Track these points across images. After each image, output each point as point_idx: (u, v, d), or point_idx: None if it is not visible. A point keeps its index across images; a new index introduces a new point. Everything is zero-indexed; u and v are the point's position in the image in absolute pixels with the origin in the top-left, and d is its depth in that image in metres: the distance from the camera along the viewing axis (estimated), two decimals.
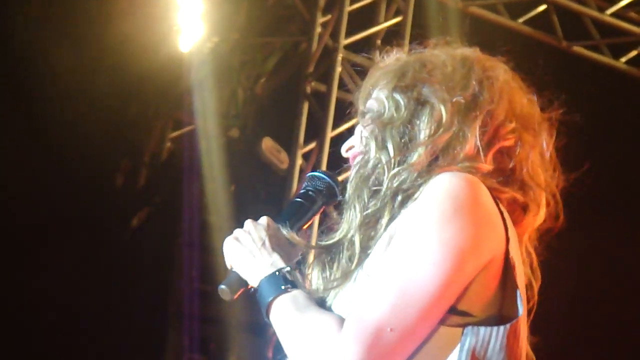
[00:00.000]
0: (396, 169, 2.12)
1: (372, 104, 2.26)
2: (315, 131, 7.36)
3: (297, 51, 8.54)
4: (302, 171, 7.29)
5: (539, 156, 2.22)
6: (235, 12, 8.70)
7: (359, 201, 2.14)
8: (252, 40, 8.86)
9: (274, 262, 2.16)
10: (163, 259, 8.63)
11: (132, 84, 8.54)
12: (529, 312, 2.21)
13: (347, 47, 7.45)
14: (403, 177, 2.11)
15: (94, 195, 8.53)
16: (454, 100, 2.15)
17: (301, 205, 2.29)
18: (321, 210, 2.31)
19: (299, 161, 7.35)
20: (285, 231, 2.24)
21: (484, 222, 2.01)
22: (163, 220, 8.91)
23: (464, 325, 1.97)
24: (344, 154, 2.32)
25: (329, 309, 2.08)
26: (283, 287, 2.10)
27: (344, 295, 2.08)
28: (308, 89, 7.52)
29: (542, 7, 8.23)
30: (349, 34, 7.56)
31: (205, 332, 8.26)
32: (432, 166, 2.11)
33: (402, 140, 2.15)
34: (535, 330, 2.19)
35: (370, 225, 2.11)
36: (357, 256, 2.09)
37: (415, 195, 2.06)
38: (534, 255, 2.26)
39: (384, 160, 2.14)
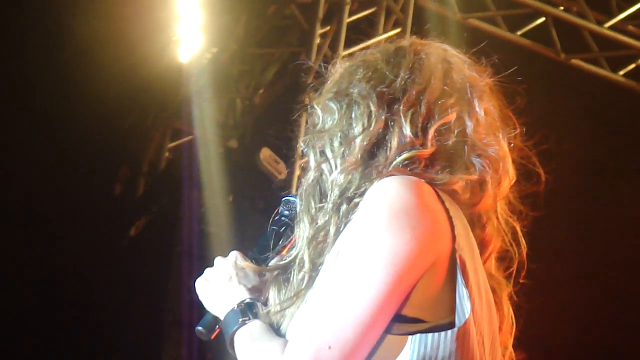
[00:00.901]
0: (334, 174, 2.08)
1: (311, 119, 2.26)
2: None
3: (295, 62, 8.55)
4: (300, 181, 7.29)
5: (487, 121, 2.14)
6: (234, 23, 8.72)
7: (307, 215, 2.11)
8: (251, 50, 8.88)
9: (238, 296, 2.19)
10: (161, 268, 8.63)
11: (131, 94, 8.55)
12: (514, 283, 2.19)
13: (346, 58, 7.46)
14: (341, 181, 2.06)
15: (92, 204, 8.53)
16: (377, 91, 2.12)
17: (276, 234, 2.26)
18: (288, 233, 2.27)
19: (297, 172, 7.36)
20: (243, 261, 2.26)
21: (422, 224, 1.94)
22: (161, 229, 8.91)
23: (410, 333, 1.93)
24: None
25: (284, 332, 2.09)
26: (240, 320, 2.14)
27: (297, 316, 2.07)
28: (307, 100, 7.52)
29: (541, 20, 8.25)
30: (347, 45, 7.57)
31: (202, 341, 8.25)
32: (370, 166, 2.06)
33: (339, 144, 2.12)
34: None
35: (320, 240, 2.06)
36: (307, 274, 2.06)
37: (359, 204, 2.00)
38: (514, 222, 2.20)
39: (324, 168, 2.12)
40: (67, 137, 8.13)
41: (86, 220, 8.31)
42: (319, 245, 2.06)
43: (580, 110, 7.97)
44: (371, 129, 2.08)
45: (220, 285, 2.24)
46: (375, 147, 2.08)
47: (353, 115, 2.13)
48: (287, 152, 7.54)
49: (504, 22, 8.24)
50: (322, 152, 2.13)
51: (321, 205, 2.09)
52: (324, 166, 2.12)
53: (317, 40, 7.73)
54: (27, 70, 7.86)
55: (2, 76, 7.80)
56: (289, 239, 2.23)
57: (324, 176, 2.11)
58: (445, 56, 2.21)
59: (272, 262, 2.22)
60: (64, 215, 8.19)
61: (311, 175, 2.14)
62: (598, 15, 8.29)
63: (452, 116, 2.10)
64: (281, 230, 2.25)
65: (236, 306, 2.17)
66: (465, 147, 2.10)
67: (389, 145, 2.07)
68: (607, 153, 8.07)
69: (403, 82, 2.13)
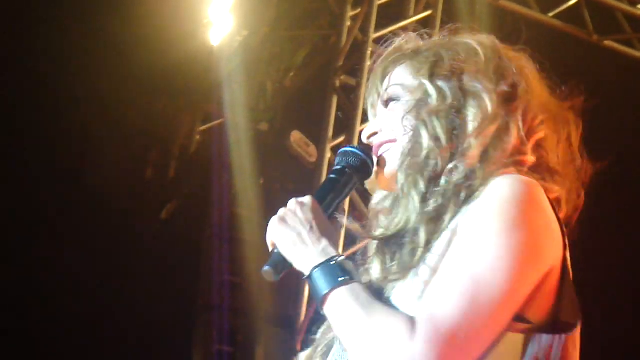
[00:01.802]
0: (453, 163, 2.09)
1: (403, 90, 2.24)
2: (344, 125, 7.36)
3: (326, 45, 8.53)
4: (330, 165, 7.29)
5: (566, 147, 2.20)
6: (264, 6, 8.71)
7: (416, 191, 2.10)
8: (282, 33, 8.87)
9: (325, 249, 2.07)
10: (192, 250, 8.66)
11: (162, 77, 8.57)
12: None
13: (376, 40, 7.44)
14: (461, 170, 2.08)
15: (123, 187, 8.57)
16: (498, 90, 2.15)
17: (336, 183, 2.22)
18: (355, 186, 2.25)
19: (328, 155, 7.35)
20: (339, 218, 2.21)
21: (547, 230, 2.00)
22: (192, 212, 8.94)
23: (527, 332, 1.97)
24: (365, 140, 2.28)
25: (386, 302, 2.03)
26: (340, 279, 2.02)
27: (404, 289, 2.02)
28: (337, 83, 7.51)
29: (573, 1, 8.19)
30: (378, 27, 7.55)
31: (233, 324, 8.29)
32: (485, 161, 2.09)
33: (453, 130, 2.13)
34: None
35: (435, 220, 2.06)
36: (420, 250, 2.03)
37: (477, 194, 2.03)
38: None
39: (437, 150, 2.11)
40: (98, 121, 8.16)
41: (118, 204, 8.34)
42: (435, 224, 2.05)
43: (613, 92, 7.90)
44: (488, 127, 2.11)
45: (301, 231, 2.10)
46: (489, 144, 2.11)
47: (470, 108, 2.14)
48: (317, 135, 7.54)
49: (536, 3, 8.18)
50: (435, 132, 2.13)
51: (432, 183, 2.09)
52: (437, 146, 2.12)
53: (348, 23, 7.71)
54: (58, 54, 7.89)
55: (37, 62, 7.83)
56: (350, 190, 2.23)
57: (433, 155, 2.11)
58: (534, 70, 2.26)
59: (378, 232, 2.16)
60: (95, 199, 8.23)
61: (421, 150, 2.13)
62: None
63: (542, 133, 2.17)
64: (342, 181, 2.22)
65: (333, 261, 2.05)
66: (551, 164, 2.17)
67: (503, 144, 2.11)
68: None
69: (514, 87, 2.17)
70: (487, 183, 2.03)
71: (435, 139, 2.12)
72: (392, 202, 2.27)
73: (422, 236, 2.04)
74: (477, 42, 2.24)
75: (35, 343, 8.14)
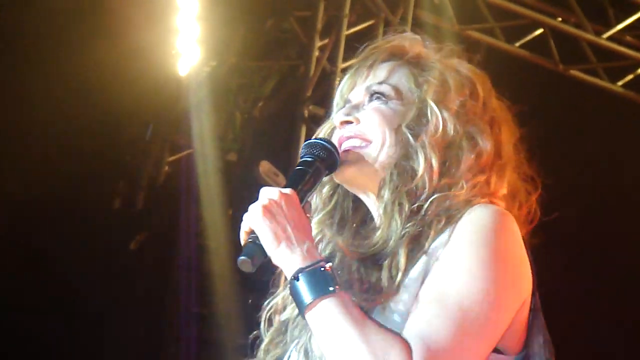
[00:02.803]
0: (440, 194, 2.10)
1: (397, 95, 2.22)
2: None
3: (294, 75, 8.55)
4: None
5: (516, 158, 2.23)
6: (232, 36, 8.72)
7: (400, 211, 2.09)
8: (250, 63, 8.88)
9: (309, 251, 2.01)
10: (160, 282, 8.61)
11: (130, 107, 8.55)
12: None
13: (344, 70, 7.46)
14: (447, 204, 2.09)
15: (91, 218, 8.52)
16: (491, 134, 2.18)
17: (305, 174, 2.15)
18: (322, 178, 2.19)
19: None
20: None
21: (522, 262, 2.05)
22: (160, 243, 8.90)
23: None
24: (337, 123, 2.24)
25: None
26: (331, 289, 1.96)
27: (384, 311, 2.01)
28: (306, 113, 7.52)
29: (539, 31, 8.26)
30: (346, 57, 7.57)
31: (201, 355, 8.23)
32: (468, 195, 2.11)
33: (447, 165, 2.14)
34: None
35: (411, 244, 2.05)
36: (400, 274, 2.02)
37: (455, 220, 2.04)
38: None
39: (428, 180, 2.11)
40: (66, 151, 8.12)
41: (85, 235, 8.29)
42: (414, 248, 2.05)
43: (577, 121, 7.97)
44: (484, 171, 2.16)
45: (287, 228, 2.02)
46: (478, 182, 2.15)
47: (468, 151, 2.16)
48: (286, 165, 7.54)
49: (502, 33, 8.25)
50: (432, 168, 2.13)
51: (418, 213, 2.09)
52: (429, 177, 2.12)
53: (316, 53, 7.73)
54: (25, 85, 7.86)
55: (2, 91, 7.80)
56: (318, 182, 2.17)
57: (423, 183, 2.11)
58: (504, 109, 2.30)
59: (354, 247, 2.12)
60: (62, 230, 8.17)
61: (415, 174, 2.13)
62: (596, 26, 8.29)
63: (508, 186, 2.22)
64: (310, 172, 2.15)
65: (319, 266, 1.98)
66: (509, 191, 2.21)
67: (486, 181, 2.15)
68: (606, 162, 8.06)
69: (505, 144, 2.21)
70: (464, 210, 2.05)
71: (430, 168, 2.12)
72: (328, 192, 2.26)
73: (402, 260, 2.03)
74: (478, 81, 2.25)
75: None
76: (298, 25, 8.27)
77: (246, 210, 2.18)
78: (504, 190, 2.18)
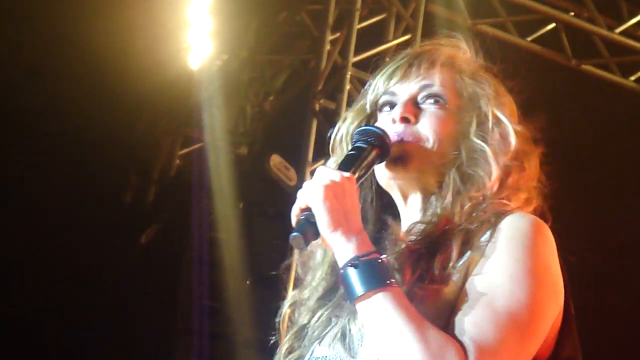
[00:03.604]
0: (495, 201, 2.15)
1: (455, 98, 2.24)
2: (323, 148, 7.36)
3: (306, 68, 8.55)
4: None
5: (533, 178, 2.27)
6: (244, 30, 8.73)
7: (460, 213, 2.12)
8: (261, 57, 8.88)
9: (365, 240, 2.00)
10: (171, 275, 8.62)
11: (142, 101, 8.57)
12: None
13: (356, 64, 7.46)
14: (491, 207, 2.13)
15: (102, 211, 8.54)
16: (522, 142, 2.22)
17: (358, 159, 2.12)
18: (373, 166, 2.17)
19: (308, 178, 7.34)
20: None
21: (559, 270, 2.09)
22: (172, 236, 8.91)
23: None
24: (397, 117, 2.22)
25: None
26: (388, 281, 1.95)
27: (430, 304, 2.01)
28: (317, 107, 7.52)
29: (551, 26, 8.24)
30: (358, 51, 7.57)
31: (212, 348, 8.25)
32: (506, 196, 2.18)
33: (505, 173, 2.20)
34: None
35: (464, 240, 2.08)
36: (451, 264, 2.04)
37: (498, 226, 2.07)
38: None
39: (489, 188, 2.16)
40: (78, 145, 8.14)
41: (97, 229, 8.31)
42: (466, 243, 2.07)
43: (591, 116, 7.95)
44: (510, 175, 2.20)
45: (348, 213, 2.00)
46: (512, 192, 2.20)
47: (503, 154, 2.20)
48: (296, 159, 7.54)
49: (515, 28, 8.23)
50: (488, 167, 2.17)
51: (471, 209, 2.12)
52: (486, 188, 2.16)
53: (327, 47, 7.72)
54: (39, 79, 7.87)
55: (14, 86, 7.81)
56: (370, 167, 2.16)
57: (476, 186, 2.15)
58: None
59: (412, 239, 2.13)
60: (74, 224, 8.19)
61: (480, 183, 2.16)
62: (608, 20, 8.27)
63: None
64: (363, 156, 2.14)
65: (376, 256, 1.98)
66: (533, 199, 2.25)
67: (515, 187, 2.20)
68: (618, 158, 8.04)
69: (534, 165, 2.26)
70: (502, 215, 2.09)
71: (496, 177, 2.17)
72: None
73: (455, 253, 2.05)
74: (513, 109, 2.29)
75: None
76: (310, 19, 8.27)
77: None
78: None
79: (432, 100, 2.23)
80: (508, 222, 2.06)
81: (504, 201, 2.15)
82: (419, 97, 2.25)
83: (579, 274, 2.19)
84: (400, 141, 2.18)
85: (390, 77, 2.31)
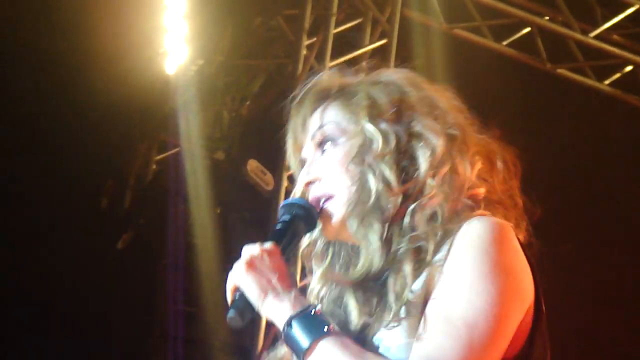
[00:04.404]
0: (413, 204, 2.11)
1: (339, 131, 2.23)
2: None
3: (282, 73, 8.55)
4: (287, 193, 7.28)
5: (502, 178, 2.23)
6: (219, 35, 8.71)
7: (373, 234, 2.11)
8: (237, 62, 8.87)
9: (297, 298, 2.05)
10: (148, 281, 8.60)
11: (117, 106, 8.53)
12: None
13: (332, 69, 7.47)
14: (425, 212, 2.11)
15: (78, 217, 8.50)
16: (440, 127, 2.18)
17: (285, 233, 2.18)
18: (301, 238, 2.22)
19: (285, 183, 7.35)
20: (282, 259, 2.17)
21: (524, 271, 2.06)
22: (148, 242, 8.88)
23: None
24: (302, 186, 2.25)
25: (373, 350, 2.03)
26: (326, 329, 2.00)
27: (388, 335, 2.03)
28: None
29: (526, 30, 8.27)
30: (334, 56, 7.58)
31: (189, 354, 8.22)
32: (446, 200, 2.11)
33: (402, 173, 2.15)
34: None
35: (412, 259, 2.08)
36: (406, 289, 2.04)
37: (453, 234, 2.06)
38: None
39: (387, 193, 2.12)
40: (53, 150, 8.10)
41: (72, 234, 8.27)
42: (418, 262, 2.07)
43: (565, 119, 8.00)
44: (445, 165, 2.14)
45: (272, 278, 2.05)
46: (447, 182, 2.14)
47: (421, 150, 2.16)
48: (273, 164, 7.54)
49: (490, 32, 8.26)
50: (386, 182, 2.13)
51: (397, 228, 2.11)
52: (386, 190, 2.12)
53: (304, 52, 7.73)
54: (13, 83, 7.83)
55: None
56: (299, 241, 2.20)
57: (383, 198, 2.12)
58: (459, 104, 2.28)
59: (350, 275, 2.14)
60: (49, 228, 8.15)
61: (370, 195, 2.13)
62: (583, 24, 8.32)
63: (479, 164, 2.20)
64: (291, 231, 2.17)
65: (310, 310, 2.02)
66: (493, 196, 2.20)
67: (459, 180, 2.14)
68: (593, 161, 8.08)
69: (452, 122, 2.20)
70: (461, 223, 2.06)
71: (385, 182, 2.13)
72: (323, 247, 2.26)
73: (408, 277, 2.05)
74: (406, 80, 2.25)
75: None
76: (286, 24, 8.28)
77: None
78: (482, 190, 2.17)
79: (324, 146, 2.25)
80: (465, 231, 2.05)
81: (431, 195, 2.11)
82: (318, 152, 2.27)
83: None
84: (317, 204, 2.21)
85: (291, 149, 2.36)
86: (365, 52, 7.70)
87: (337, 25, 7.76)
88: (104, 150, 8.99)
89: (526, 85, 7.83)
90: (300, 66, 7.69)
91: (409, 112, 2.19)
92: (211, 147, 8.65)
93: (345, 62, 7.57)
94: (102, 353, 8.12)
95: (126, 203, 9.54)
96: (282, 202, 2.26)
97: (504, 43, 8.27)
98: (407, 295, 2.03)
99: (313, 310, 2.02)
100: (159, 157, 9.57)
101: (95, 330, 8.12)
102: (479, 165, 2.18)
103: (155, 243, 8.67)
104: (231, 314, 2.06)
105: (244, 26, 8.70)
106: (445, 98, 2.24)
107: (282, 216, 2.21)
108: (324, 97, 2.30)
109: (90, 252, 8.54)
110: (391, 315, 2.03)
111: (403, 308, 2.03)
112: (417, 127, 2.17)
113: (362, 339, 2.06)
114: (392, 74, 2.28)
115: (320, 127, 2.26)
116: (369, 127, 2.18)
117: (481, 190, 2.17)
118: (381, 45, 7.76)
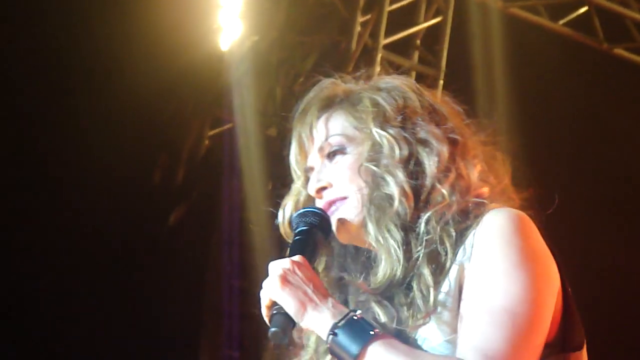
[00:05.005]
0: (426, 210, 2.16)
1: (347, 141, 2.27)
2: None
3: (336, 50, 8.54)
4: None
5: (498, 176, 2.29)
6: (274, 11, 8.72)
7: (393, 239, 2.14)
8: (291, 38, 8.88)
9: (335, 306, 2.07)
10: (200, 255, 8.66)
11: (171, 82, 8.58)
12: None
13: (386, 46, 7.46)
14: (437, 215, 2.15)
15: (131, 192, 8.57)
16: (444, 132, 2.23)
17: (306, 243, 2.21)
18: (322, 245, 2.25)
19: None
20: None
21: (548, 256, 2.11)
22: (200, 217, 8.94)
23: (544, 356, 2.06)
24: (313, 193, 2.28)
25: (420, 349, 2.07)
26: (372, 332, 2.02)
27: (426, 334, 2.07)
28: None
29: (583, 9, 8.18)
30: (388, 33, 7.56)
31: (241, 328, 8.29)
32: (455, 201, 2.16)
33: (413, 178, 2.19)
34: None
35: (431, 262, 2.11)
36: (431, 289, 2.08)
37: (472, 230, 2.11)
38: None
39: (404, 198, 2.17)
40: (107, 126, 8.18)
41: (126, 209, 8.35)
42: (436, 264, 2.11)
43: (621, 100, 7.90)
44: (452, 170, 2.20)
45: (307, 290, 2.08)
46: (454, 184, 2.19)
47: (428, 156, 2.21)
48: None
49: (546, 11, 8.18)
50: (402, 187, 2.18)
51: (414, 232, 2.14)
52: (403, 199, 2.16)
53: (358, 29, 7.71)
54: (67, 61, 7.91)
55: (45, 67, 7.86)
56: (318, 249, 2.23)
57: (398, 203, 2.16)
58: (455, 108, 2.35)
59: (373, 285, 2.16)
60: (103, 205, 8.24)
61: (388, 202, 2.17)
62: None
63: (479, 165, 2.26)
64: (310, 241, 2.21)
65: (352, 316, 2.04)
66: (495, 192, 2.27)
67: (466, 182, 2.21)
68: None
69: (453, 127, 2.27)
70: (477, 219, 2.12)
71: (400, 187, 2.17)
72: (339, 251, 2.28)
73: (429, 278, 2.09)
74: (407, 87, 2.30)
75: (45, 343, 8.16)
76: (340, 1, 8.26)
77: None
78: (486, 189, 2.23)
79: (332, 155, 2.29)
80: (485, 225, 2.09)
81: (445, 201, 2.16)
82: (326, 160, 2.30)
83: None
84: (330, 211, 2.24)
85: (297, 158, 2.40)
86: (419, 30, 7.67)
87: (392, 2, 7.73)
88: (158, 125, 9.05)
89: (582, 66, 7.75)
90: (354, 43, 7.68)
91: (413, 117, 2.25)
92: (264, 123, 8.68)
93: (399, 39, 7.55)
94: (156, 327, 8.20)
95: (179, 178, 9.60)
96: (293, 214, 2.29)
97: (560, 22, 8.19)
98: (436, 295, 2.07)
99: (355, 316, 2.04)
100: (212, 133, 9.61)
101: (149, 305, 8.21)
102: (479, 167, 2.25)
103: (208, 218, 8.73)
104: (273, 330, 2.07)
105: (298, 2, 8.70)
106: (444, 103, 2.31)
107: (298, 226, 2.25)
108: (328, 104, 2.34)
109: (143, 228, 8.62)
110: (424, 316, 2.07)
111: (438, 308, 2.06)
112: (422, 133, 2.23)
113: (402, 341, 2.07)
114: (393, 81, 2.33)
115: (327, 138, 2.30)
116: (379, 133, 2.23)
117: (484, 190, 2.23)
118: (436, 23, 7.72)
